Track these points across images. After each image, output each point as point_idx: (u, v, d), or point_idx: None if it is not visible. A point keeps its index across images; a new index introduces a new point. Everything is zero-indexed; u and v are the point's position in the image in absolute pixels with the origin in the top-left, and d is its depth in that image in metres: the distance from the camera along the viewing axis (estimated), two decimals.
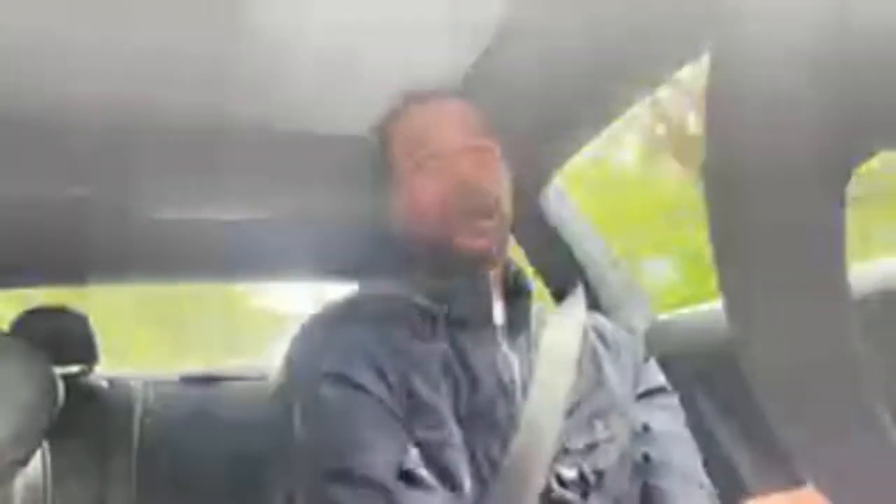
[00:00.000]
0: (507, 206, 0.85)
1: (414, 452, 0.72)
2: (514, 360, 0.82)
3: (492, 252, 0.83)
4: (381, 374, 0.75)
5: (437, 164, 0.82)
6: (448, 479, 0.72)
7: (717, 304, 1.12)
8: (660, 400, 0.90)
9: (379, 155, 0.90)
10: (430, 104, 0.87)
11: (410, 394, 0.75)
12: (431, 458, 0.72)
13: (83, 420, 1.61)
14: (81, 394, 1.65)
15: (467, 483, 0.72)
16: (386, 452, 0.71)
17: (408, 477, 0.70)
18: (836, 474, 0.27)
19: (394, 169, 0.87)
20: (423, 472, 0.71)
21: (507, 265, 0.89)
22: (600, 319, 0.97)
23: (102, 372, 1.81)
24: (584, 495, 0.76)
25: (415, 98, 0.89)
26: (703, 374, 1.03)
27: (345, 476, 0.71)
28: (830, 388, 0.26)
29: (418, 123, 0.85)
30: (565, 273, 1.27)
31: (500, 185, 0.85)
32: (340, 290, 1.00)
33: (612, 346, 0.91)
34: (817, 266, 0.25)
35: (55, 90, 0.98)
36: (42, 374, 1.08)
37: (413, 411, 0.74)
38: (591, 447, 0.79)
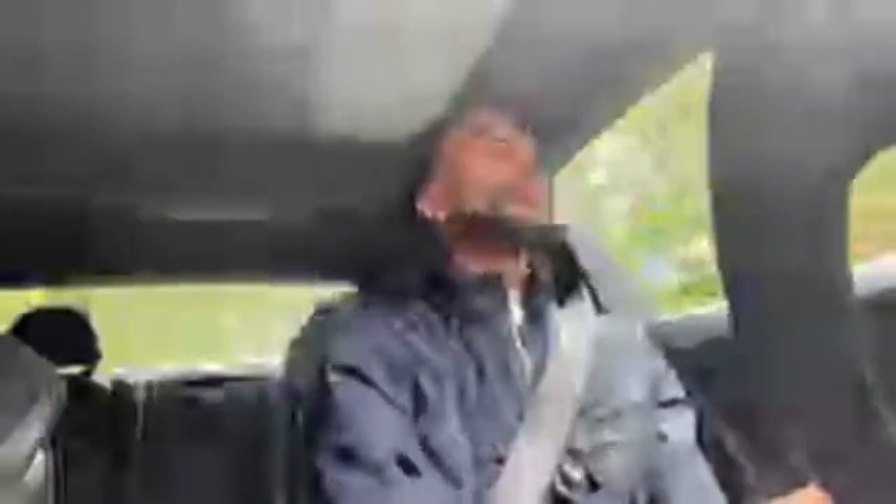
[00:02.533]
0: (545, 193, 0.93)
1: (413, 441, 0.74)
2: (528, 361, 0.82)
3: (541, 230, 0.88)
4: (388, 367, 0.77)
5: (505, 147, 0.90)
6: (448, 473, 0.73)
7: (718, 306, 1.12)
8: (678, 410, 0.90)
9: (437, 142, 0.96)
10: (490, 104, 0.96)
11: (416, 388, 0.76)
12: (433, 452, 0.73)
13: (85, 421, 1.61)
14: (84, 395, 1.65)
15: (467, 479, 0.73)
16: (387, 437, 0.73)
17: (404, 463, 0.72)
18: (841, 475, 0.27)
19: (455, 155, 0.92)
20: (420, 460, 0.73)
21: (528, 267, 0.91)
22: (617, 323, 0.97)
23: (105, 372, 1.81)
24: (590, 497, 0.76)
25: (473, 94, 1.00)
26: (705, 378, 1.03)
27: (345, 456, 0.73)
28: (833, 390, 0.26)
29: (486, 115, 0.94)
30: (565, 274, 1.27)
31: (541, 174, 0.94)
32: (341, 291, 1.00)
33: (627, 350, 0.91)
34: (819, 267, 0.25)
35: (57, 90, 0.98)
36: (44, 375, 1.08)
37: (417, 405, 0.76)
38: (600, 450, 0.79)
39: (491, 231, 0.86)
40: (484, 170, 0.88)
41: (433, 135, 0.97)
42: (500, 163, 0.88)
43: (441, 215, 0.91)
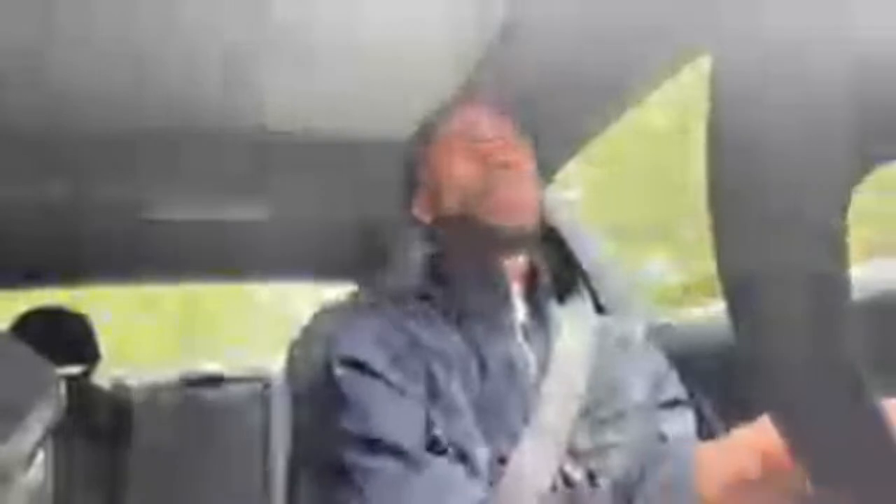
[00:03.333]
0: (538, 194, 0.88)
1: (435, 424, 0.73)
2: (531, 358, 0.82)
3: (526, 231, 0.84)
4: (398, 359, 0.76)
5: (486, 148, 0.86)
6: (467, 465, 0.72)
7: (718, 307, 1.12)
8: (679, 411, 0.89)
9: (422, 146, 0.93)
10: (478, 103, 0.93)
11: (430, 379, 0.76)
12: (451, 444, 0.73)
13: (84, 422, 1.61)
14: (83, 395, 1.65)
15: (485, 470, 0.72)
16: (410, 423, 0.72)
17: (434, 445, 0.71)
18: (838, 474, 0.28)
19: (436, 158, 0.90)
20: (444, 438, 0.72)
21: (529, 264, 0.90)
22: (618, 323, 0.97)
23: (104, 373, 1.81)
24: (591, 497, 0.76)
25: (465, 96, 0.96)
26: (704, 379, 1.03)
27: (371, 444, 0.72)
28: (832, 391, 0.26)
29: (470, 116, 0.91)
30: (565, 273, 1.27)
31: (534, 174, 0.89)
32: (342, 290, 1.01)
33: (629, 350, 0.91)
34: (818, 269, 0.25)
35: (60, 88, 0.98)
36: (43, 375, 1.08)
37: (432, 396, 0.75)
38: (601, 449, 0.79)
39: (473, 234, 0.84)
40: (460, 172, 0.86)
41: (420, 137, 0.95)
42: (478, 164, 0.85)
43: (429, 219, 0.89)
